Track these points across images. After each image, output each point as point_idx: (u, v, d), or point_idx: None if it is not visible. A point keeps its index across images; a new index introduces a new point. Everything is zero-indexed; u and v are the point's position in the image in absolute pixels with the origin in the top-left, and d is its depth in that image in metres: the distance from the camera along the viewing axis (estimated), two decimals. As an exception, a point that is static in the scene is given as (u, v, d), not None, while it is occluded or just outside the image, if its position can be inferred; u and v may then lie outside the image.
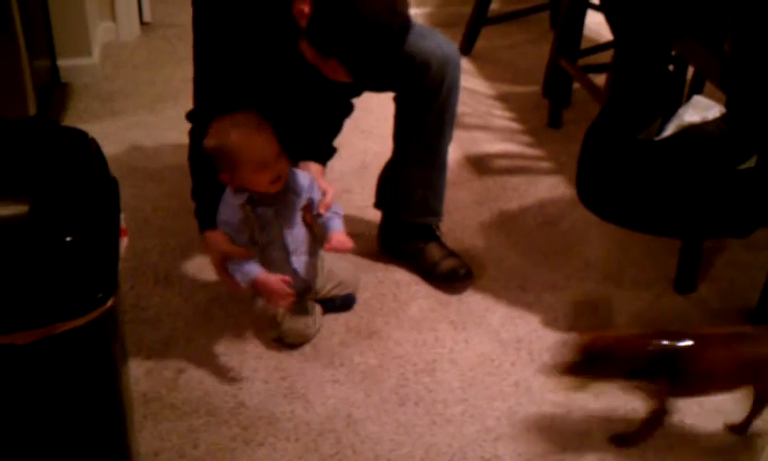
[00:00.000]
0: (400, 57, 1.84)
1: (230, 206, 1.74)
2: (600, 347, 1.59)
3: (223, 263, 1.77)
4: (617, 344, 1.59)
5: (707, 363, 1.59)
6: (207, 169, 1.74)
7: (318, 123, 2.00)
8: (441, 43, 1.93)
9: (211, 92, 1.78)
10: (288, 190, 1.77)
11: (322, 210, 1.80)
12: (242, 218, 1.74)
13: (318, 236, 1.85)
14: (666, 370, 1.57)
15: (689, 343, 1.59)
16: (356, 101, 2.04)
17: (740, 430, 1.72)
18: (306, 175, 1.83)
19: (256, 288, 1.76)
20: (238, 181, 1.72)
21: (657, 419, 1.65)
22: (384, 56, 1.59)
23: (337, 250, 1.79)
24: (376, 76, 1.63)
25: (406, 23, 1.59)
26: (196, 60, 1.78)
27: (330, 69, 1.63)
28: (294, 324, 1.88)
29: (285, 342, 1.90)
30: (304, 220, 1.81)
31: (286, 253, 1.80)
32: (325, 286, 1.95)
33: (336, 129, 2.03)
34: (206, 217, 1.78)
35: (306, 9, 1.58)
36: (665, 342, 1.58)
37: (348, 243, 1.79)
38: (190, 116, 1.82)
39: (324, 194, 1.82)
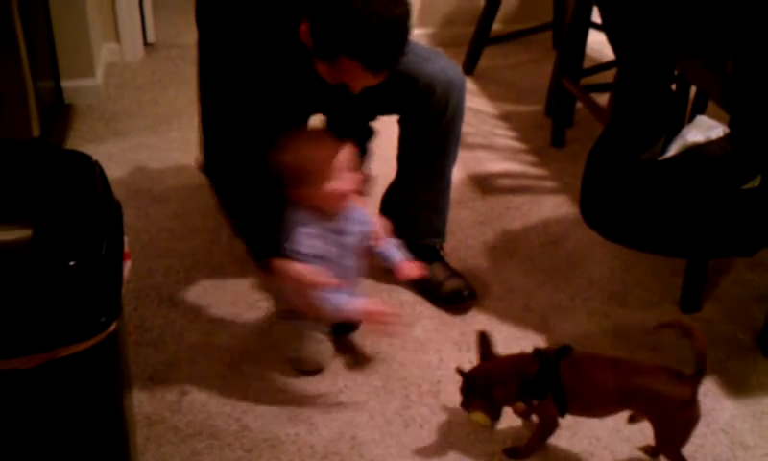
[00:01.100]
0: (405, 79, 1.84)
1: (307, 236, 1.73)
2: (477, 374, 1.66)
3: (304, 291, 1.74)
4: (493, 368, 1.66)
5: (589, 385, 1.62)
6: (264, 200, 1.76)
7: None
8: (445, 66, 1.93)
9: (225, 141, 1.78)
10: (345, 220, 1.79)
11: (375, 242, 1.84)
12: (321, 245, 1.74)
13: (374, 265, 1.91)
14: (552, 388, 1.61)
15: (572, 363, 1.62)
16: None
17: (653, 453, 1.72)
18: (363, 209, 1.84)
19: (362, 319, 1.83)
20: (311, 197, 1.72)
21: (545, 433, 1.69)
22: (390, 34, 1.56)
23: (410, 277, 1.88)
24: (396, 62, 1.61)
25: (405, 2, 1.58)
26: (205, 109, 1.78)
27: (349, 75, 1.62)
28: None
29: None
30: (358, 252, 1.83)
31: (352, 277, 1.82)
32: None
33: (361, 154, 2.02)
34: (272, 246, 1.75)
35: (305, 26, 1.59)
36: (542, 361, 1.62)
37: (418, 270, 1.86)
38: (207, 170, 1.82)
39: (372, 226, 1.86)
